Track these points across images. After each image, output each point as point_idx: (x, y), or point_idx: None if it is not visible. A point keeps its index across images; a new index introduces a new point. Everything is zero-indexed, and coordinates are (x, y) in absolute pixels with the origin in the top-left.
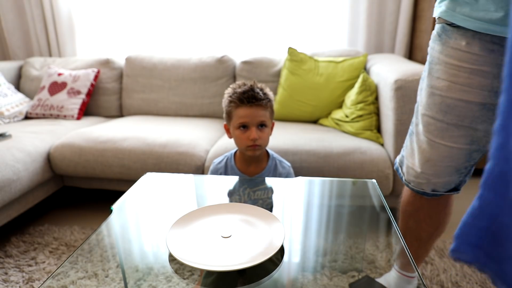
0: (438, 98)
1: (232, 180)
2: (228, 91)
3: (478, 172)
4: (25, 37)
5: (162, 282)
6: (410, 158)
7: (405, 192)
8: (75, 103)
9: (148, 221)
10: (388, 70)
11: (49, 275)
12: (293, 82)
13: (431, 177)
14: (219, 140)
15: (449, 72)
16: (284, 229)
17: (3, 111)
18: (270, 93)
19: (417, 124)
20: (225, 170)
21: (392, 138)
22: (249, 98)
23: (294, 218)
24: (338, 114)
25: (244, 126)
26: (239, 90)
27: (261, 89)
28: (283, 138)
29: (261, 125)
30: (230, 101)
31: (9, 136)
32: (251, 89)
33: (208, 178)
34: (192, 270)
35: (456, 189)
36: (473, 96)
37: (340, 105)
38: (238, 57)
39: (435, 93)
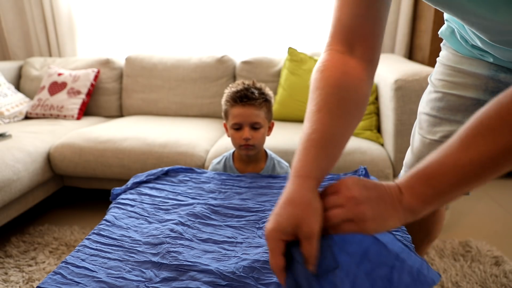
0: (433, 94)
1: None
2: (227, 90)
3: None
4: (25, 37)
5: None
6: (404, 164)
7: None
8: (75, 103)
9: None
10: (388, 70)
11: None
12: (293, 82)
13: None
14: (219, 140)
15: (446, 72)
16: None
17: (3, 111)
18: (269, 93)
19: (415, 126)
20: (223, 170)
21: (392, 138)
22: (242, 97)
23: None
24: None
25: (238, 126)
26: (234, 89)
27: (259, 89)
28: (283, 138)
29: (254, 125)
30: (227, 100)
31: (9, 136)
32: (246, 88)
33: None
34: None
35: None
36: (466, 92)
37: None
38: (238, 57)
39: (432, 90)
